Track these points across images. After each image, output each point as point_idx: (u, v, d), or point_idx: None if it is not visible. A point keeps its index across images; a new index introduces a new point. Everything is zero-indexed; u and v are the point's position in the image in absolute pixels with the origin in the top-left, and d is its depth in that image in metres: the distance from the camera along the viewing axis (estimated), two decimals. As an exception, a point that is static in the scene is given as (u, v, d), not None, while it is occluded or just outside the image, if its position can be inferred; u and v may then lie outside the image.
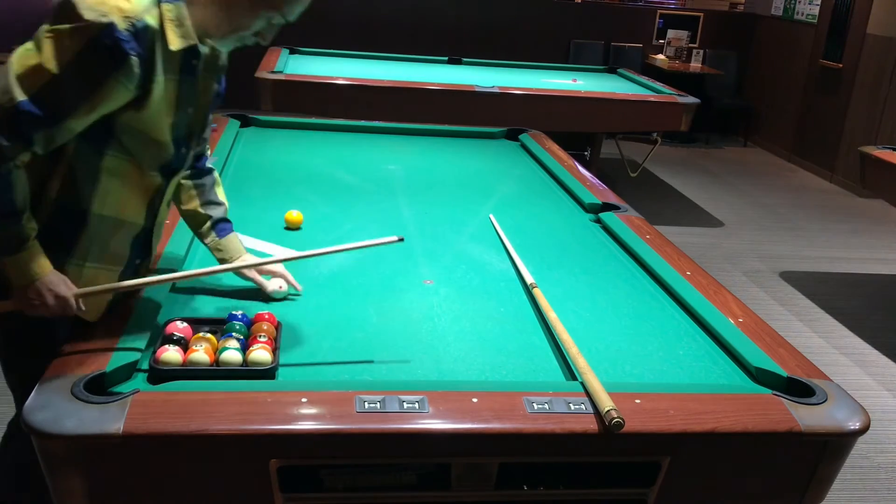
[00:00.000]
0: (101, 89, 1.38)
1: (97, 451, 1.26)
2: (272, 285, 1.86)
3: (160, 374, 1.44)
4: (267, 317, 1.64)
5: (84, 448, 1.26)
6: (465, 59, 6.33)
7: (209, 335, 1.54)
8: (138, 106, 1.47)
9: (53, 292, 1.47)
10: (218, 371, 1.47)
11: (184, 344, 1.51)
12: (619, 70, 6.46)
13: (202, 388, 1.38)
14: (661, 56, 8.35)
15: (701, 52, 8.39)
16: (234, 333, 1.56)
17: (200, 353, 1.47)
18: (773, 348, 1.71)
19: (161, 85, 1.49)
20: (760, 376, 1.62)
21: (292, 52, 5.84)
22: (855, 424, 1.46)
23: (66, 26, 1.33)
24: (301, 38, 6.21)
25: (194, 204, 1.86)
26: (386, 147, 3.49)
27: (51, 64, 1.33)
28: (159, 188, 1.64)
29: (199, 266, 1.99)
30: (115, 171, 1.53)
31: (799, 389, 1.56)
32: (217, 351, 1.51)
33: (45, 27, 1.35)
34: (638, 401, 1.43)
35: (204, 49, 1.57)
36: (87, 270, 1.57)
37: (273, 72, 4.67)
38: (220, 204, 1.89)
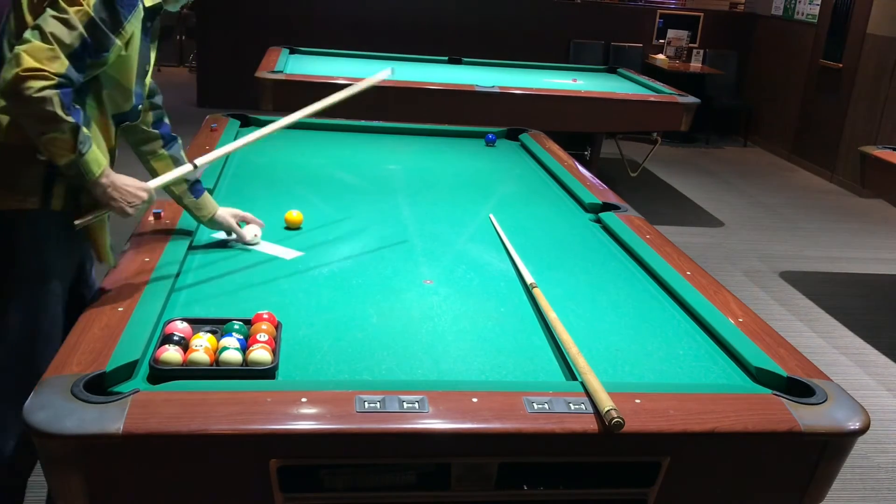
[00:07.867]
0: (125, 29, 1.69)
1: (97, 451, 1.26)
2: (248, 234, 2.17)
3: (160, 374, 1.44)
4: (267, 317, 1.64)
5: (84, 448, 1.26)
6: (465, 59, 6.32)
7: (209, 335, 1.54)
8: (122, 50, 1.72)
9: (121, 180, 1.75)
10: (218, 371, 1.47)
11: (184, 344, 1.51)
12: (619, 70, 6.46)
13: (202, 388, 1.38)
14: (661, 56, 8.35)
15: (701, 52, 8.38)
16: (234, 333, 1.56)
17: (200, 353, 1.47)
18: (773, 348, 1.71)
19: (137, 36, 1.75)
20: (760, 376, 1.62)
21: (292, 52, 5.83)
22: (855, 424, 1.46)
23: None
24: (301, 38, 6.22)
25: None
26: (386, 147, 3.49)
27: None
28: (115, 136, 1.88)
29: (195, 265, 2.00)
30: (91, 116, 1.76)
31: (799, 389, 1.56)
32: (217, 351, 1.51)
33: None
34: (638, 401, 1.43)
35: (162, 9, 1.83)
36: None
37: (273, 72, 4.66)
38: (189, 167, 2.00)
